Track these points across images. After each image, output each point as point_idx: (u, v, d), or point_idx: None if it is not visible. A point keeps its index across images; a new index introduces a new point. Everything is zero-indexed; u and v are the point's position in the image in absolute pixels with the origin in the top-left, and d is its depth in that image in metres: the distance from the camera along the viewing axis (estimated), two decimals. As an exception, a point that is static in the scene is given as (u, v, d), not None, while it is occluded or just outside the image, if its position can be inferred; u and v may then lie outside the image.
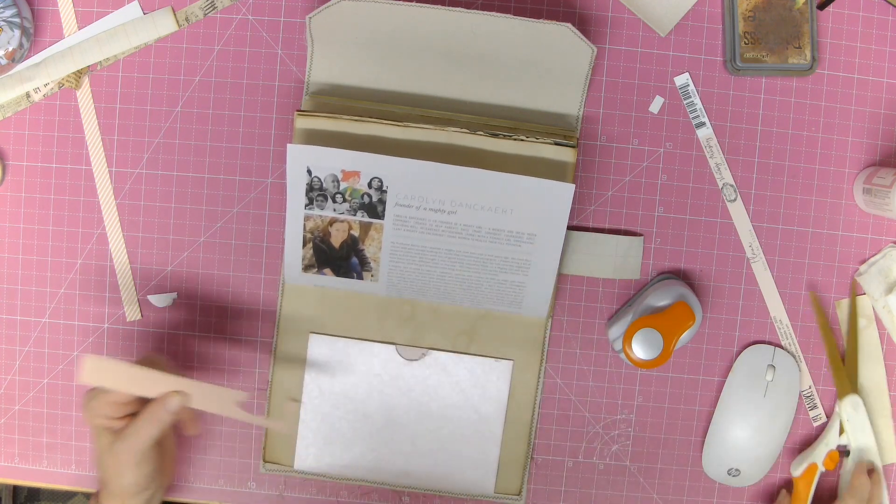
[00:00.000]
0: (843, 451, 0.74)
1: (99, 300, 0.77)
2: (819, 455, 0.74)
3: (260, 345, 0.77)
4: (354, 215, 0.71)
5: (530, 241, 0.71)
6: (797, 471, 0.74)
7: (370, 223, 0.71)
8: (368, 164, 0.68)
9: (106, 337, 0.77)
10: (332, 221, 0.71)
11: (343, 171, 0.69)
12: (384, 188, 0.69)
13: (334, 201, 0.70)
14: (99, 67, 0.76)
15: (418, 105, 0.74)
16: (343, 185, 0.70)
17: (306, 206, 0.71)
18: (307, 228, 0.72)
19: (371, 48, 0.73)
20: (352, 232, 0.72)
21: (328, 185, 0.70)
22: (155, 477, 0.67)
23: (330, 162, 0.69)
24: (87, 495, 1.59)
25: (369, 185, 0.69)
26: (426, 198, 0.69)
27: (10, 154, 0.76)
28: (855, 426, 0.73)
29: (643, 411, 0.77)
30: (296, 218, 0.71)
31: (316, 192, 0.70)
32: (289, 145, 0.68)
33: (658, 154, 0.76)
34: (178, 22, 0.75)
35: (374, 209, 0.70)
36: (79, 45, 0.75)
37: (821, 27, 0.75)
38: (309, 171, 0.69)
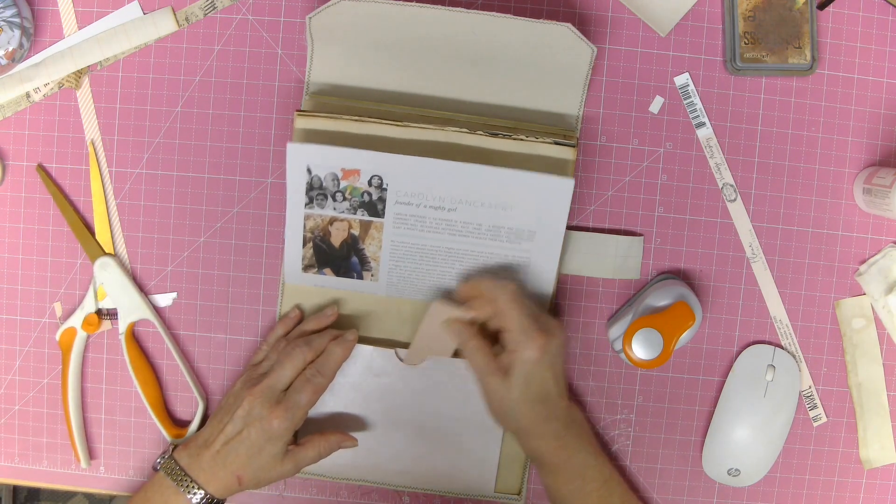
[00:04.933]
0: (106, 313, 0.76)
1: (99, 300, 0.77)
2: (77, 320, 0.75)
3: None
4: (354, 214, 0.71)
5: (530, 239, 0.71)
6: (57, 335, 0.75)
7: (370, 222, 0.71)
8: (368, 162, 0.69)
9: (106, 337, 0.77)
10: (333, 220, 0.71)
11: (343, 170, 0.69)
12: (384, 186, 0.69)
13: (334, 200, 0.70)
14: (99, 67, 0.76)
15: (418, 105, 0.74)
16: (343, 184, 0.70)
17: (306, 205, 0.71)
18: (307, 228, 0.72)
19: (371, 48, 0.73)
20: (352, 231, 0.72)
21: (328, 184, 0.70)
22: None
23: (330, 160, 0.69)
24: (88, 495, 1.59)
25: (369, 184, 0.69)
26: (426, 195, 0.69)
27: (10, 154, 0.76)
28: (113, 286, 0.75)
29: (643, 411, 0.77)
30: (296, 217, 0.71)
31: (316, 191, 0.70)
32: (289, 144, 0.68)
33: (658, 154, 0.76)
34: (178, 22, 0.75)
35: (375, 207, 0.70)
36: (79, 45, 0.75)
37: (821, 27, 0.75)
38: (309, 170, 0.69)
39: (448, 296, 0.73)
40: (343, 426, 0.76)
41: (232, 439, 0.68)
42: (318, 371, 0.70)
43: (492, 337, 0.69)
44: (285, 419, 0.68)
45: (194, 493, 0.67)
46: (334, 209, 0.71)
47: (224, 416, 0.69)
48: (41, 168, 0.75)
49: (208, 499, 0.68)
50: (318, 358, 0.71)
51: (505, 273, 0.72)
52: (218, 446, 0.68)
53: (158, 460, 0.71)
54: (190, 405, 0.77)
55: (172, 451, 0.70)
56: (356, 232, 0.72)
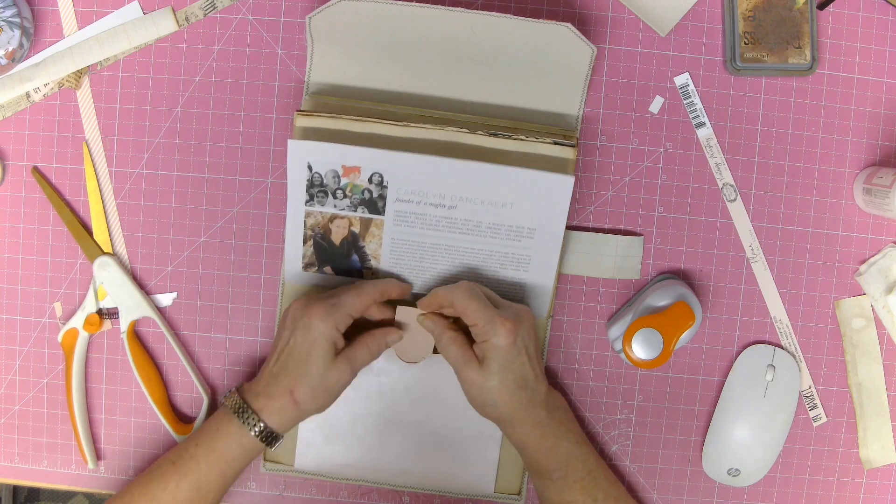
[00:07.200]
0: (106, 313, 0.75)
1: (99, 300, 0.77)
2: (79, 321, 0.75)
3: (260, 345, 0.77)
4: (355, 211, 0.71)
5: (530, 236, 0.71)
6: (59, 335, 0.75)
7: (371, 219, 0.71)
8: (369, 159, 0.69)
9: (106, 337, 0.77)
10: (333, 218, 0.71)
11: (343, 167, 0.69)
12: (385, 183, 0.69)
13: (335, 197, 0.70)
14: (99, 67, 0.76)
15: (418, 105, 0.74)
16: (344, 181, 0.70)
17: (307, 202, 0.71)
18: (307, 225, 0.72)
19: (371, 48, 0.73)
20: (352, 228, 0.72)
21: (328, 181, 0.70)
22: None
23: (330, 157, 0.69)
24: (88, 495, 1.59)
25: (370, 181, 0.69)
26: (427, 192, 0.69)
27: (10, 154, 0.76)
28: (113, 285, 0.74)
29: (643, 411, 0.77)
30: (296, 215, 0.71)
31: (317, 189, 0.70)
32: (289, 140, 0.68)
33: (658, 154, 0.76)
34: (178, 22, 0.75)
35: (375, 205, 0.70)
36: (79, 45, 0.75)
37: (821, 27, 0.75)
38: (309, 167, 0.69)
39: (411, 303, 0.73)
40: (343, 426, 0.76)
41: (282, 352, 0.68)
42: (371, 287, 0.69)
43: (468, 333, 0.69)
44: (325, 317, 0.66)
45: (253, 426, 0.66)
46: (335, 206, 0.71)
47: (277, 338, 0.69)
48: (36, 171, 0.75)
49: (267, 432, 0.67)
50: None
51: (505, 271, 0.72)
52: (271, 365, 0.68)
53: (225, 393, 0.71)
54: (193, 403, 0.77)
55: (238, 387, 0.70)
56: (356, 229, 0.72)
